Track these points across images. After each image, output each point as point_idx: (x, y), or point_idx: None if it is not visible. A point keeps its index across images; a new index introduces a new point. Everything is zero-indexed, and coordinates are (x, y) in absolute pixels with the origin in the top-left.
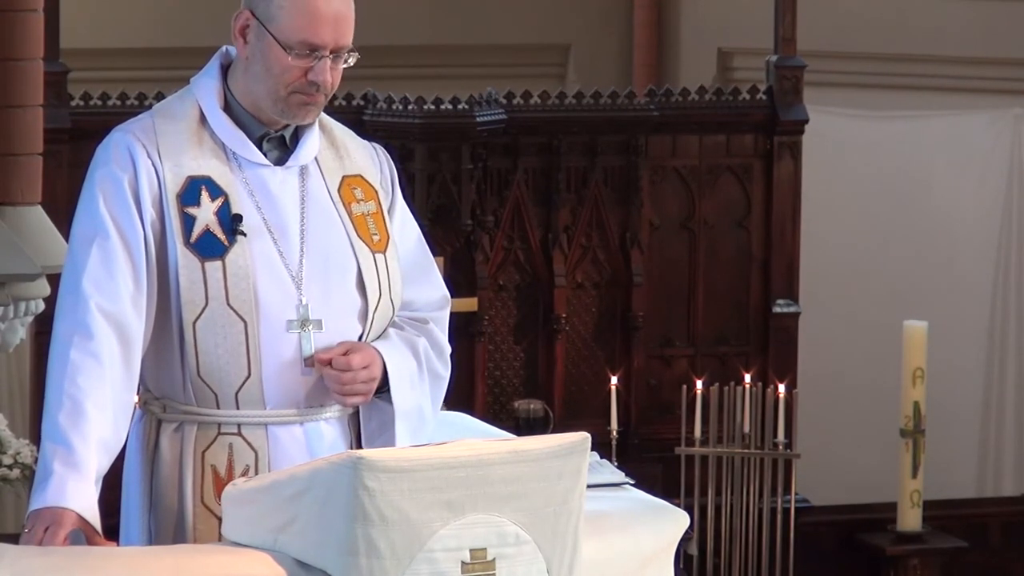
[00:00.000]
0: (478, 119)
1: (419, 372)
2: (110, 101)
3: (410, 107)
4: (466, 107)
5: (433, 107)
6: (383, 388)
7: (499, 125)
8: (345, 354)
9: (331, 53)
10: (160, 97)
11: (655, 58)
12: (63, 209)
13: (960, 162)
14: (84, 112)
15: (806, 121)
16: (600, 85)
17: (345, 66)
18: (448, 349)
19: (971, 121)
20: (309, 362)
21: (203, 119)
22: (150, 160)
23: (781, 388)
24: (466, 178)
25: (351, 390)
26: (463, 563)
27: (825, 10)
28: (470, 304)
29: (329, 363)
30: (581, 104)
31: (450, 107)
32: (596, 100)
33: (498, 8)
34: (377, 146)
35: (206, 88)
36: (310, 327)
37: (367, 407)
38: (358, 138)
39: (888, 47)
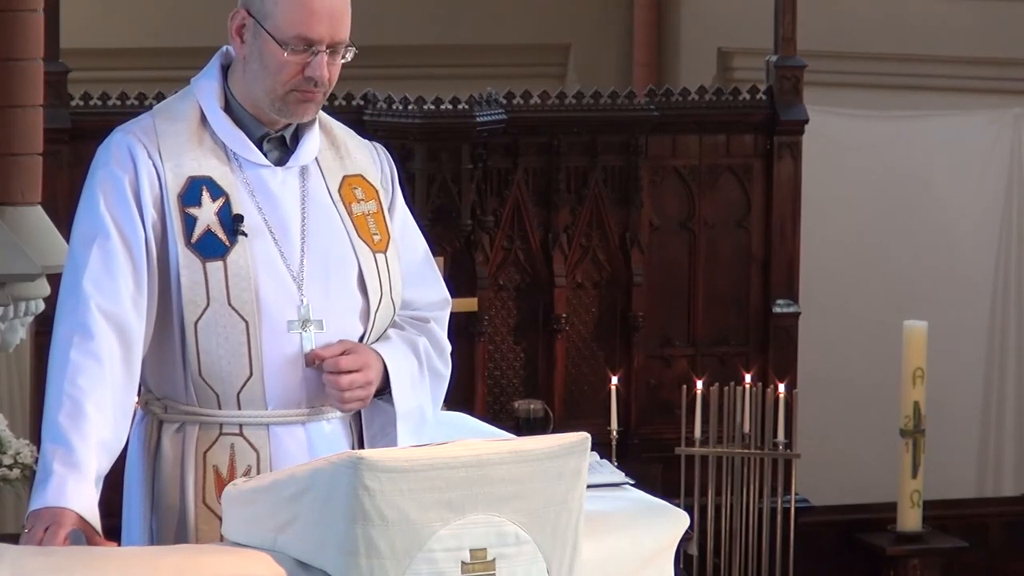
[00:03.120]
0: (478, 119)
1: (420, 371)
2: (110, 101)
3: (410, 107)
4: (466, 107)
5: (433, 107)
6: (384, 389)
7: (499, 125)
8: (340, 354)
9: (327, 48)
10: (160, 97)
11: (655, 58)
12: (63, 209)
13: (960, 162)
14: (84, 112)
15: (806, 121)
16: (600, 85)
17: (343, 61)
18: (448, 348)
19: (971, 121)
20: (308, 360)
21: (203, 119)
22: (151, 160)
23: (781, 388)
24: (466, 178)
25: (350, 396)
26: (463, 563)
27: (825, 10)
28: (470, 304)
29: (323, 361)
30: (581, 104)
31: (450, 107)
32: (596, 100)
33: (498, 8)
34: (377, 145)
35: (206, 88)
36: (311, 327)
37: (369, 409)
38: (358, 137)
39: (888, 47)
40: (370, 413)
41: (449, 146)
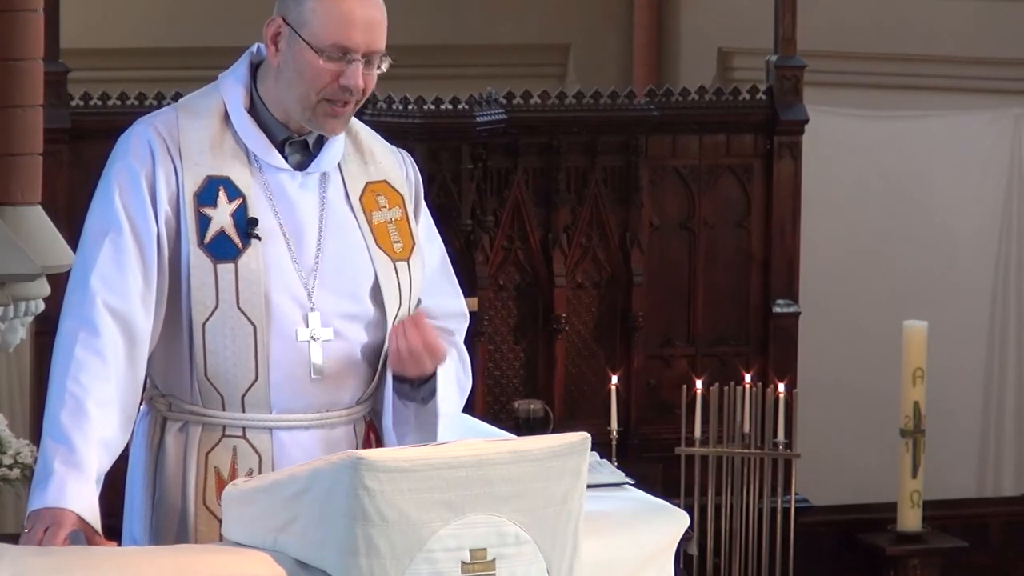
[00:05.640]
0: (478, 119)
1: (456, 376)
2: (110, 101)
3: (410, 107)
4: (466, 107)
5: (433, 107)
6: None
7: (499, 125)
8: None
9: (363, 57)
10: (160, 97)
11: (655, 58)
12: (63, 209)
13: (960, 162)
14: (84, 112)
15: (806, 121)
16: (600, 85)
17: (378, 72)
18: (468, 362)
19: (971, 121)
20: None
21: (227, 118)
22: (170, 157)
23: (781, 388)
24: (466, 178)
25: (420, 343)
26: (463, 563)
27: (825, 10)
28: (470, 304)
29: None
30: (581, 104)
31: (450, 107)
32: (596, 100)
33: (498, 8)
34: (404, 152)
35: (232, 87)
36: (320, 334)
37: (399, 411)
38: (385, 143)
39: (888, 47)
40: (397, 414)
41: (449, 146)
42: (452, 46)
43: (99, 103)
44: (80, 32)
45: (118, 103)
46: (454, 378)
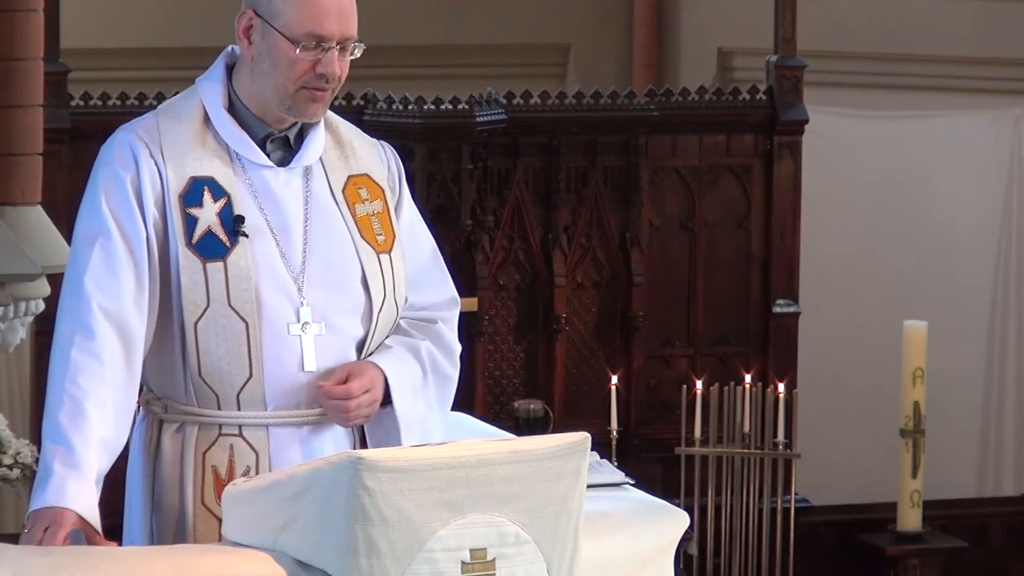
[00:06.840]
0: (478, 119)
1: (423, 379)
2: (110, 101)
3: (410, 107)
4: (466, 107)
5: (433, 107)
6: (387, 400)
7: (499, 125)
8: (345, 380)
9: (337, 44)
10: (160, 97)
11: (655, 58)
12: (63, 209)
13: (960, 162)
14: (84, 112)
15: (806, 121)
16: (600, 85)
17: (352, 57)
18: (457, 349)
19: (971, 121)
20: (319, 394)
21: (207, 119)
22: (153, 160)
23: (781, 388)
24: (466, 178)
25: (355, 416)
26: (463, 563)
27: (825, 10)
28: (470, 304)
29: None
30: (581, 104)
31: (450, 107)
32: (596, 100)
33: (498, 8)
34: (385, 144)
35: (210, 88)
36: (311, 329)
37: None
38: (365, 136)
39: (888, 47)
40: (374, 421)
41: (449, 146)
42: (452, 46)
43: (99, 103)
44: (80, 32)
45: (118, 103)
46: (413, 386)
